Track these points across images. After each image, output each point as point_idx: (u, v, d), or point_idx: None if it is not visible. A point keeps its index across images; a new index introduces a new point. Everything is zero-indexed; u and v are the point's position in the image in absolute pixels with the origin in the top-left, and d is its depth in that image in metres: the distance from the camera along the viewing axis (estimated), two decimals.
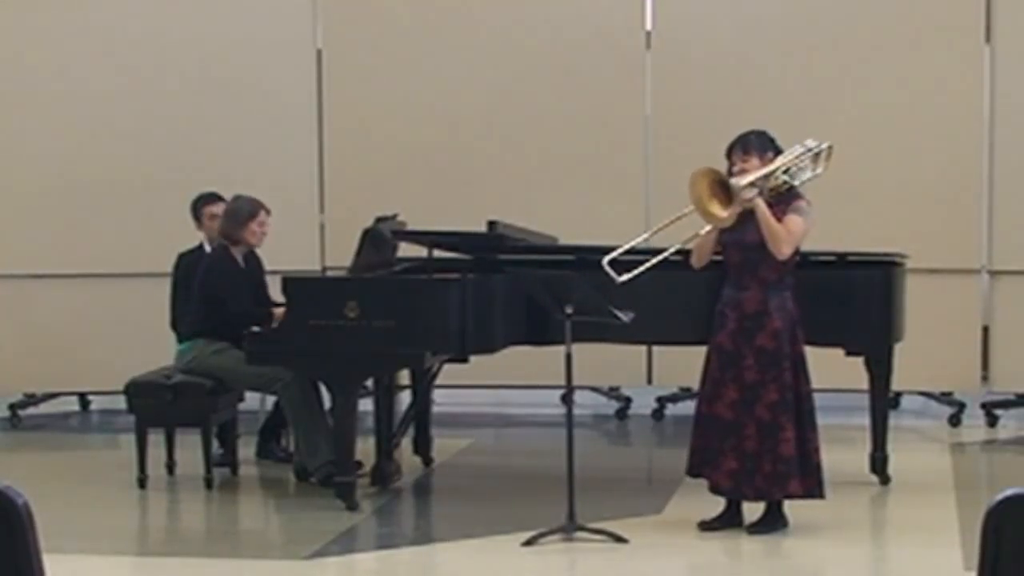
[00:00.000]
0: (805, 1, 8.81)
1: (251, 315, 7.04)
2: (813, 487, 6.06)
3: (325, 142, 9.18)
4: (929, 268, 8.21)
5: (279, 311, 6.95)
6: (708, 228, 6.01)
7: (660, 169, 8.76)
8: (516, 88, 8.98)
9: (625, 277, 6.06)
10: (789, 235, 5.94)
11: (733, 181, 5.88)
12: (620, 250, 6.18)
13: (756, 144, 6.07)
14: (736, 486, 6.06)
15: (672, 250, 6.22)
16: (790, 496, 6.06)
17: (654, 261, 6.17)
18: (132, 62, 8.99)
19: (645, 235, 6.41)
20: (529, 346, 6.92)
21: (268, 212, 7.31)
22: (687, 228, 6.13)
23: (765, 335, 5.99)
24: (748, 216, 5.94)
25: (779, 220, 5.94)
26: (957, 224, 8.62)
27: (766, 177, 5.99)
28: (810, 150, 6.15)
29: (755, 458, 5.99)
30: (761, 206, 5.92)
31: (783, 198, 6.04)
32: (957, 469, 7.56)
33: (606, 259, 6.09)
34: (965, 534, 5.93)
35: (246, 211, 7.25)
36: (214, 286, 7.18)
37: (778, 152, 6.09)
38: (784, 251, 5.94)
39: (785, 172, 6.05)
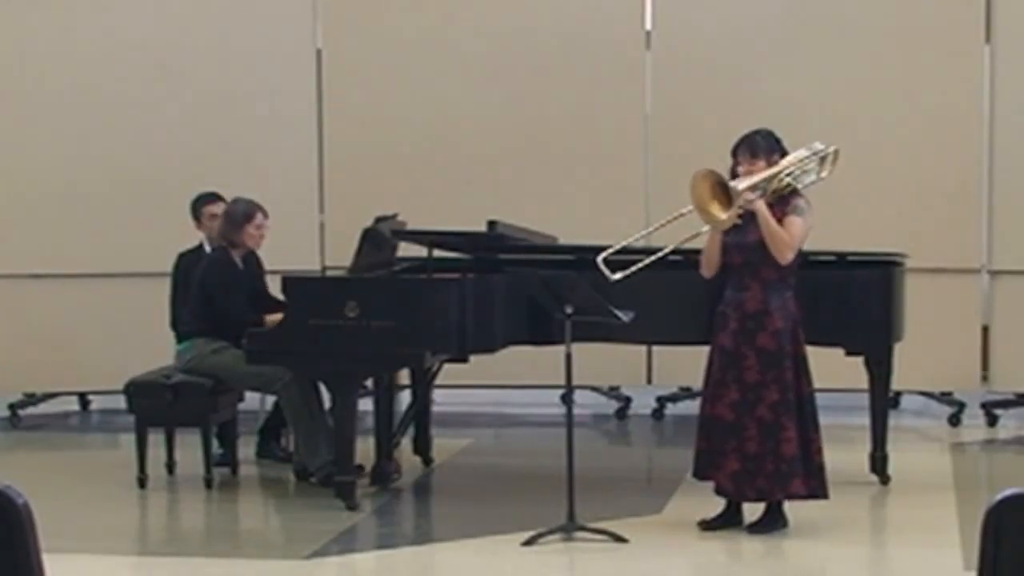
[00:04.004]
0: (805, 1, 8.81)
1: (243, 320, 7.01)
2: (816, 487, 6.06)
3: (325, 142, 9.17)
4: (929, 268, 8.21)
5: (271, 317, 6.93)
6: (707, 228, 6.00)
7: (660, 169, 8.75)
8: (516, 88, 8.98)
9: (619, 275, 6.07)
10: (791, 239, 5.92)
11: (732, 184, 5.86)
12: (615, 248, 6.19)
13: (763, 146, 6.03)
14: (738, 487, 6.06)
15: (667, 250, 6.22)
16: (792, 496, 6.05)
17: (648, 260, 6.17)
18: (132, 62, 8.98)
19: (642, 232, 6.41)
20: (529, 346, 6.92)
21: (266, 215, 7.29)
22: (686, 228, 6.13)
23: (766, 335, 5.98)
24: (749, 217, 5.93)
25: (779, 220, 5.94)
26: (957, 224, 8.61)
27: (769, 179, 5.98)
28: (816, 153, 6.14)
29: (757, 459, 5.98)
30: (763, 210, 5.90)
31: (783, 198, 6.03)
32: (957, 469, 7.56)
33: (600, 256, 6.10)
34: (965, 534, 5.93)
35: (242, 214, 7.25)
36: (210, 287, 7.19)
37: (784, 153, 6.06)
38: (787, 256, 5.92)
39: (789, 175, 6.04)
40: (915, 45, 8.63)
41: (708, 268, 6.13)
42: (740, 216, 5.90)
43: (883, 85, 8.65)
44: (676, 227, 6.12)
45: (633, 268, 6.12)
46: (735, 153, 6.06)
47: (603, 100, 8.91)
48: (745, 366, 6.00)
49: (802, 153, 6.10)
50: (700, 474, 6.19)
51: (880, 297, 6.87)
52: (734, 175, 5.97)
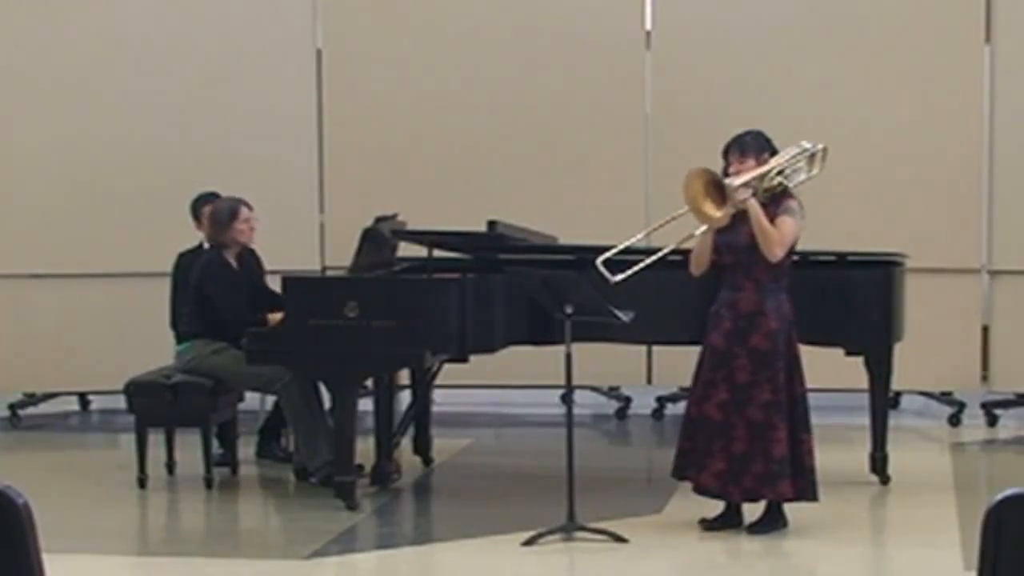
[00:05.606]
0: (805, 1, 8.81)
1: (244, 320, 7.00)
2: (805, 489, 6.05)
3: (325, 142, 9.17)
4: (929, 268, 8.21)
5: (273, 316, 6.93)
6: (703, 229, 6.01)
7: (660, 169, 8.75)
8: (516, 88, 8.97)
9: (619, 277, 6.06)
10: (781, 237, 5.94)
11: (727, 181, 5.88)
12: (614, 251, 6.18)
13: (753, 145, 6.07)
14: (723, 487, 6.06)
15: (667, 250, 6.22)
16: (780, 497, 6.05)
17: (648, 261, 6.17)
18: (132, 62, 8.98)
19: (639, 235, 6.40)
20: (529, 346, 6.92)
21: (250, 207, 7.26)
22: (684, 228, 6.13)
23: (760, 335, 5.98)
24: (741, 218, 5.95)
25: (771, 220, 5.95)
26: (957, 224, 8.61)
27: (761, 178, 5.99)
28: (805, 151, 6.16)
29: (744, 459, 5.99)
30: (755, 207, 5.92)
31: (775, 199, 6.04)
32: (957, 469, 7.56)
33: (600, 259, 6.09)
34: (965, 534, 5.94)
35: (227, 212, 7.22)
36: (206, 290, 7.17)
37: (774, 152, 6.09)
38: (776, 253, 5.94)
39: (780, 173, 6.05)
40: (915, 45, 8.63)
41: (696, 267, 6.14)
42: (733, 214, 5.91)
43: (883, 85, 8.65)
44: (674, 227, 6.12)
45: (633, 270, 6.12)
46: (726, 154, 6.09)
47: (603, 100, 8.90)
48: (736, 366, 6.00)
49: (791, 151, 6.12)
50: (679, 473, 6.20)
51: (880, 297, 6.87)
52: (725, 176, 5.98)
